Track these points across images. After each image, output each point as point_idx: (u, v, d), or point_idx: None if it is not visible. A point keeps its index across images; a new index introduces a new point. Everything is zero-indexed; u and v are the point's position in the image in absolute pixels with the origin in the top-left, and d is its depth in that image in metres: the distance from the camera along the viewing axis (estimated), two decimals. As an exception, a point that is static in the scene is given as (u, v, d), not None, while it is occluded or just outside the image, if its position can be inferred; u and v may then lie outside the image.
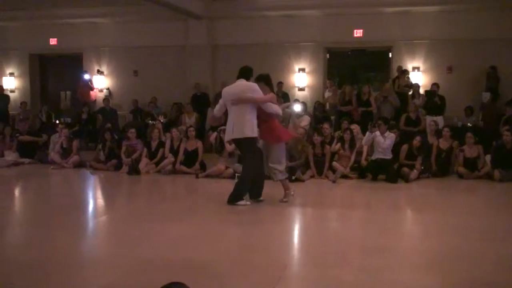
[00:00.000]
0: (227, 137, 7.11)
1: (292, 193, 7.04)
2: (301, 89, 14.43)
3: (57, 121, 13.80)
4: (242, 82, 6.80)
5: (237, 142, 6.94)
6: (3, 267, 4.39)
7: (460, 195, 8.29)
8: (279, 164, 6.87)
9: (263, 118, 6.76)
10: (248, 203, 6.84)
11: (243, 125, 6.61)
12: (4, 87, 15.92)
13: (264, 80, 6.96)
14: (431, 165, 9.54)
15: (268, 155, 6.87)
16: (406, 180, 8.92)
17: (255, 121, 6.68)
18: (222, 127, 10.48)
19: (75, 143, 11.06)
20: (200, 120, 13.42)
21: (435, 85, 12.28)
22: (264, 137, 6.91)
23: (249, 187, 6.89)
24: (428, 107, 11.84)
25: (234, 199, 6.79)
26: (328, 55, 14.89)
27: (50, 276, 4.13)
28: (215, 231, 5.64)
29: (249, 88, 6.71)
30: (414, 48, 13.79)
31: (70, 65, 16.36)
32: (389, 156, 9.11)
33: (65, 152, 10.86)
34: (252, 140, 6.69)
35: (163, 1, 12.36)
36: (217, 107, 7.06)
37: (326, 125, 10.04)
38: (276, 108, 6.82)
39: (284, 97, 12.87)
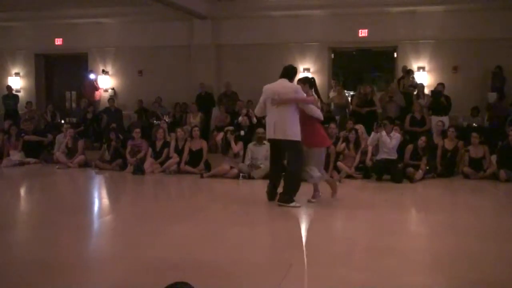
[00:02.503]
0: (268, 135, 6.87)
1: (320, 194, 7.07)
2: (305, 89, 14.39)
3: (63, 121, 13.83)
4: (286, 83, 6.64)
5: (277, 142, 6.71)
6: (8, 267, 4.40)
7: (466, 195, 8.26)
8: (315, 168, 6.76)
9: (305, 121, 6.61)
10: (299, 204, 6.67)
11: (286, 127, 6.49)
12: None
13: (309, 83, 6.88)
14: (436, 165, 9.51)
15: (307, 159, 6.73)
16: (411, 180, 8.89)
17: (297, 123, 6.53)
18: (229, 127, 10.50)
19: (81, 143, 11.09)
20: (204, 120, 13.43)
21: (440, 85, 12.24)
22: (306, 141, 6.70)
23: (299, 185, 6.71)
24: (434, 107, 11.81)
25: (287, 200, 6.63)
26: (333, 55, 14.87)
27: (55, 276, 4.13)
28: (220, 230, 5.63)
29: (293, 89, 6.58)
30: (419, 48, 13.75)
31: (75, 65, 16.40)
32: (394, 156, 9.09)
33: (70, 152, 10.89)
34: (296, 142, 6.56)
35: (168, 1, 12.38)
36: (257, 107, 6.86)
37: (332, 125, 9.99)
38: (317, 112, 6.69)
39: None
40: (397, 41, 13.88)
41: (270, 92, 6.65)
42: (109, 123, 13.28)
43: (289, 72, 6.77)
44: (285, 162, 7.11)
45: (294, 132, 6.52)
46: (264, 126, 10.35)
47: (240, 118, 11.82)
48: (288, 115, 6.50)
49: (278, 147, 6.79)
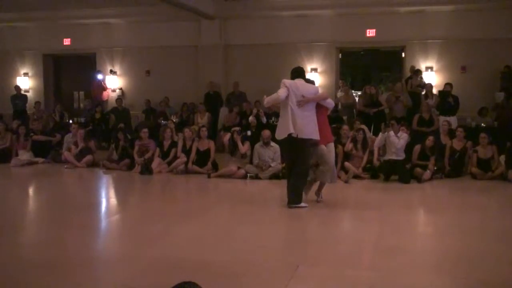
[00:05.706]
0: (282, 134, 6.65)
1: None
2: (313, 89, 14.37)
3: (71, 121, 13.90)
4: (305, 83, 6.73)
5: (296, 140, 6.55)
6: (16, 267, 4.43)
7: (474, 196, 8.22)
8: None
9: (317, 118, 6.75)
10: (307, 205, 6.71)
11: (310, 125, 6.55)
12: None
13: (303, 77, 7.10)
14: (444, 166, 9.47)
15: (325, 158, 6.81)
16: (419, 180, 8.85)
17: (316, 123, 6.66)
18: (236, 128, 10.49)
19: (93, 143, 11.14)
20: (212, 120, 13.45)
21: (448, 85, 12.17)
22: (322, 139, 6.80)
23: (305, 185, 6.78)
24: (441, 107, 11.76)
25: (295, 200, 6.65)
26: (340, 55, 14.85)
27: (63, 276, 4.16)
28: (227, 231, 5.64)
29: (315, 90, 6.87)
30: (427, 48, 13.70)
31: (83, 65, 16.48)
32: (402, 156, 9.05)
33: (81, 152, 10.90)
34: (315, 141, 6.63)
35: (176, 1, 12.40)
36: (274, 97, 6.62)
37: (345, 127, 9.88)
38: (332, 102, 7.12)
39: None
40: (405, 41, 13.84)
41: (296, 91, 6.57)
42: (117, 123, 13.33)
43: (303, 73, 6.96)
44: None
45: (316, 131, 6.60)
46: (270, 127, 10.38)
47: (250, 118, 11.84)
48: (310, 115, 6.60)
49: (295, 145, 6.65)
